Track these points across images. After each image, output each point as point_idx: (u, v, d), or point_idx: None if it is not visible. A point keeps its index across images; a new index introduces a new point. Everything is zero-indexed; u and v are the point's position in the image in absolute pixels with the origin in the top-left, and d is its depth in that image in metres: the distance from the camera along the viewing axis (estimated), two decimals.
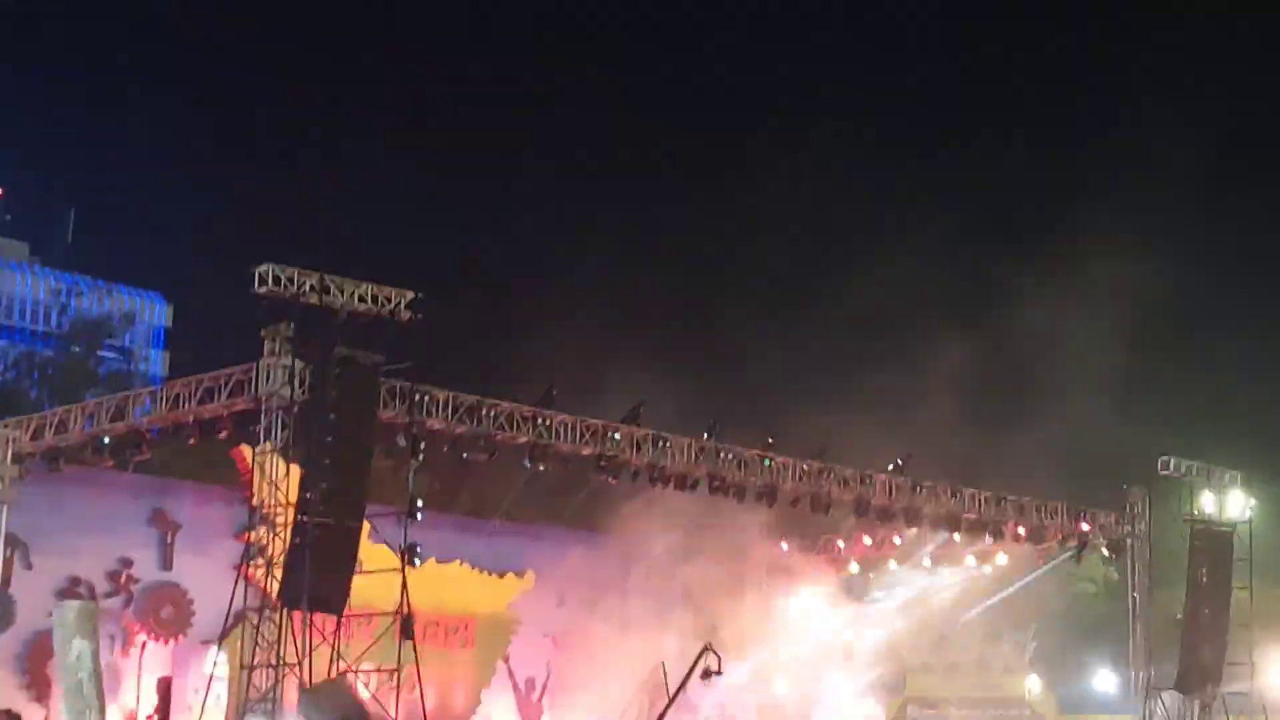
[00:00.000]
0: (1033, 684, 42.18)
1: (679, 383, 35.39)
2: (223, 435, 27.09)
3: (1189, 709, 34.29)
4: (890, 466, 33.83)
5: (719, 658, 23.19)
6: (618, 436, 30.14)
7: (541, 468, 29.80)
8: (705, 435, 31.53)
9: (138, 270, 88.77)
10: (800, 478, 32.63)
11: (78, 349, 62.88)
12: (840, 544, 40.81)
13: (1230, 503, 35.00)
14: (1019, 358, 45.03)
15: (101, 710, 2.36)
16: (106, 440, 27.70)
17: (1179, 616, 34.45)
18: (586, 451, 29.94)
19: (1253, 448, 40.47)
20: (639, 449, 30.47)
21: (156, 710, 30.36)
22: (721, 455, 31.62)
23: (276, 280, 24.53)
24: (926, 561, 40.13)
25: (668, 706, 22.35)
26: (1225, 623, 34.17)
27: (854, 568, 40.73)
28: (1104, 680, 40.61)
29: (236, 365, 26.43)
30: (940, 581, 40.77)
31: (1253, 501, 35.48)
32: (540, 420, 29.20)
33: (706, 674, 22.92)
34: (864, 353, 49.20)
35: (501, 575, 37.00)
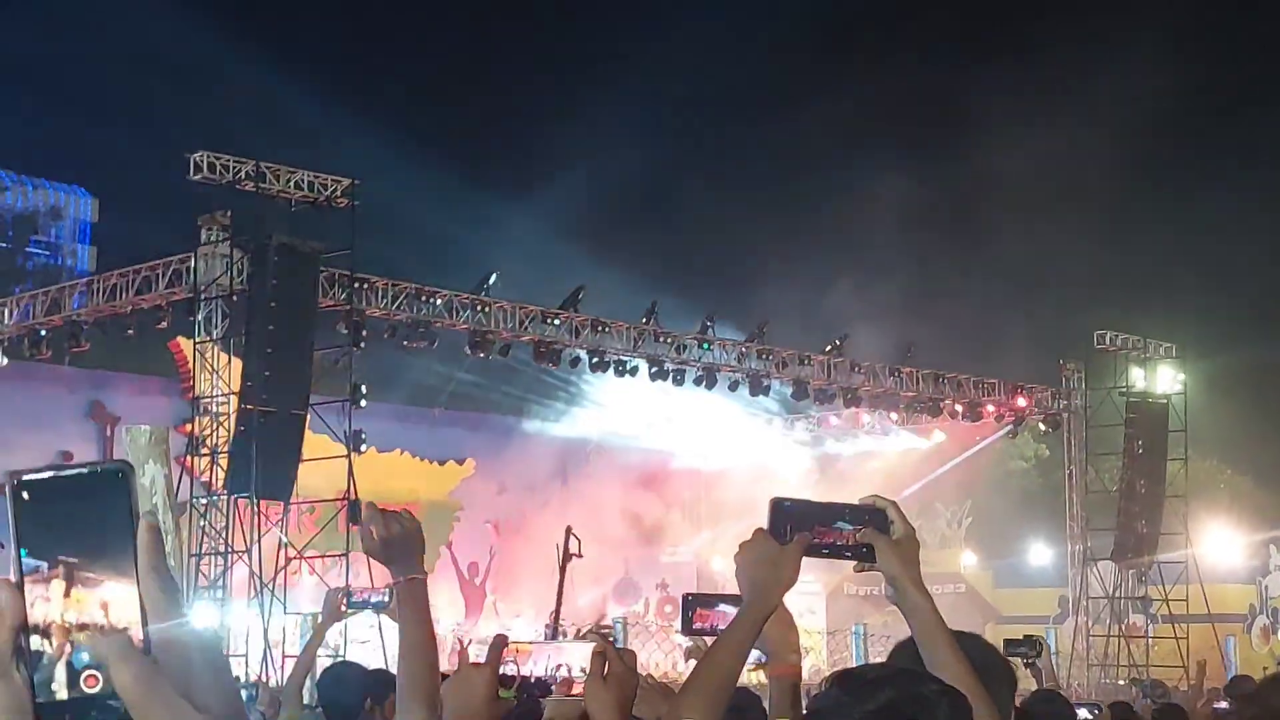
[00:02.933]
0: (968, 559, 42.82)
1: (619, 266, 35.44)
2: (161, 326, 26.90)
3: (1124, 578, 34.91)
4: (828, 347, 34.01)
5: (578, 541, 23.56)
6: (557, 322, 30.15)
7: (482, 355, 29.80)
8: (644, 319, 31.54)
9: (60, 165, 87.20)
10: (739, 360, 32.76)
11: (4, 244, 62.18)
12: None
13: (1163, 376, 35.42)
14: (958, 233, 45.30)
15: (177, 530, 2.37)
16: (43, 333, 27.47)
17: (1114, 489, 34.97)
18: (526, 338, 29.97)
19: (1185, 321, 40.98)
20: (578, 335, 30.49)
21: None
22: (660, 339, 31.67)
23: (211, 167, 24.31)
24: (863, 440, 40.49)
25: (559, 600, 22.68)
26: (1160, 494, 34.69)
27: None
28: (1038, 554, 41.29)
29: (173, 255, 26.26)
30: (876, 460, 41.13)
31: (1183, 375, 35.92)
32: (479, 307, 29.15)
33: (568, 557, 23.27)
34: (803, 227, 49.32)
35: (442, 463, 37.11)
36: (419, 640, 3.30)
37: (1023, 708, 8.05)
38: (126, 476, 1.31)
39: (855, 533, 2.91)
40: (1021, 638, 8.49)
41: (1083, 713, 9.27)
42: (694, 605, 3.51)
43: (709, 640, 3.31)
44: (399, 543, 3.26)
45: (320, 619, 6.79)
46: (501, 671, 3.04)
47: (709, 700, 2.90)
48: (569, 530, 23.73)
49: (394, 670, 4.18)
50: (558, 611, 22.77)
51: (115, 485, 1.30)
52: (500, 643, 3.07)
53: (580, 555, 24.12)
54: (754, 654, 3.22)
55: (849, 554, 2.94)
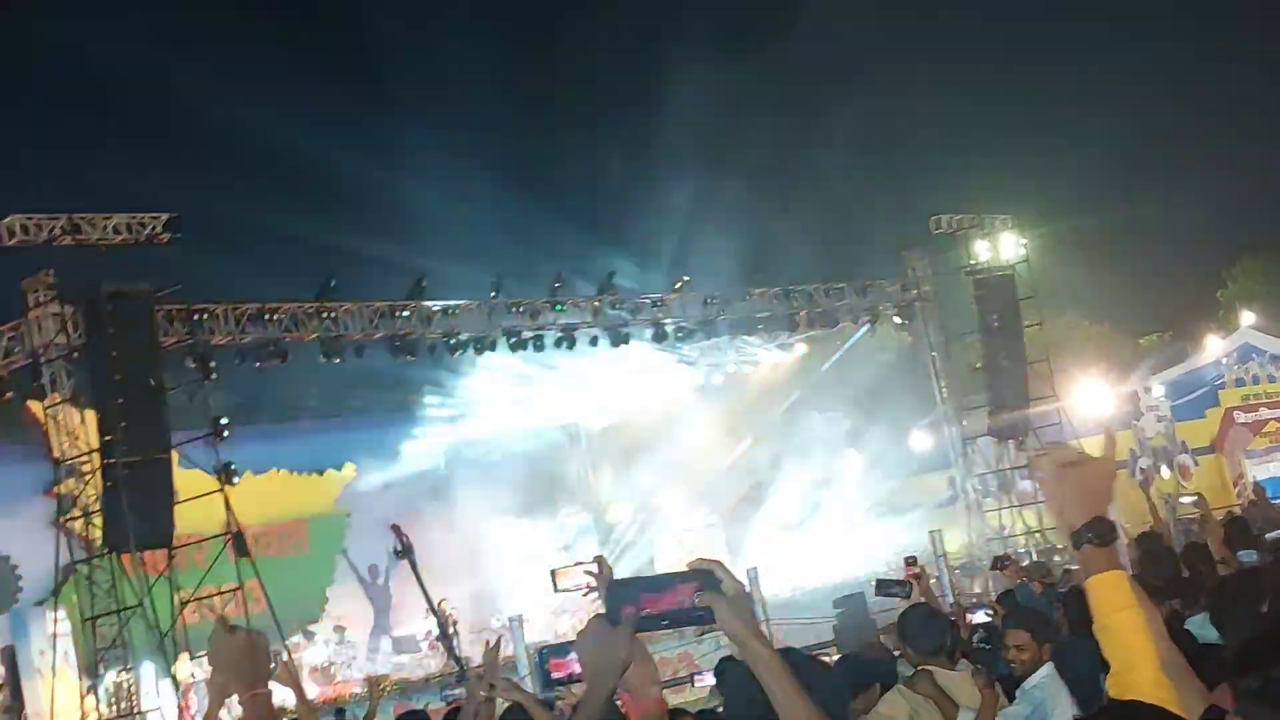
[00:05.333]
0: (852, 459, 43.34)
1: (457, 247, 35.28)
2: (7, 396, 26.40)
3: (1005, 450, 35.61)
4: (677, 285, 34.19)
5: (403, 535, 23.48)
6: (406, 314, 30.05)
7: (337, 360, 29.62)
8: (492, 294, 31.53)
9: None
10: (594, 314, 32.89)
11: None
12: None
13: (1004, 245, 36.05)
14: (781, 152, 45.53)
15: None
16: None
17: (978, 366, 35.60)
18: (378, 335, 29.84)
19: (1018, 190, 41.68)
20: (430, 322, 30.43)
21: (5, 680, 29.85)
22: (513, 310, 31.70)
23: (25, 229, 23.88)
24: (730, 367, 40.82)
25: (427, 599, 22.60)
26: (1022, 361, 35.40)
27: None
28: (920, 441, 41.85)
29: (4, 324, 25.77)
30: (747, 381, 41.53)
31: (1024, 240, 36.58)
32: (325, 314, 28.97)
33: (401, 554, 23.21)
34: (633, 178, 49.27)
35: (321, 473, 36.86)
36: None
37: (899, 622, 8.34)
38: None
39: (692, 597, 3.04)
40: (893, 580, 8.82)
41: (979, 616, 9.58)
42: (548, 657, 3.66)
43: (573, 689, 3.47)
44: (240, 659, 3.36)
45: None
46: None
47: None
48: (395, 528, 23.46)
49: None
50: (435, 611, 22.60)
51: None
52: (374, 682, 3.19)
53: (410, 548, 23.83)
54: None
55: (687, 620, 3.07)
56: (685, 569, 3.09)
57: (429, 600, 22.57)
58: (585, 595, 4.50)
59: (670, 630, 3.18)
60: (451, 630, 28.76)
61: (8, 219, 23.87)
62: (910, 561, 9.48)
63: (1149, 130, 51.87)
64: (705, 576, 3.04)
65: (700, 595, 3.02)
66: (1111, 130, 50.63)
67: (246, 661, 3.38)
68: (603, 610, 3.09)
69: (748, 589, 3.20)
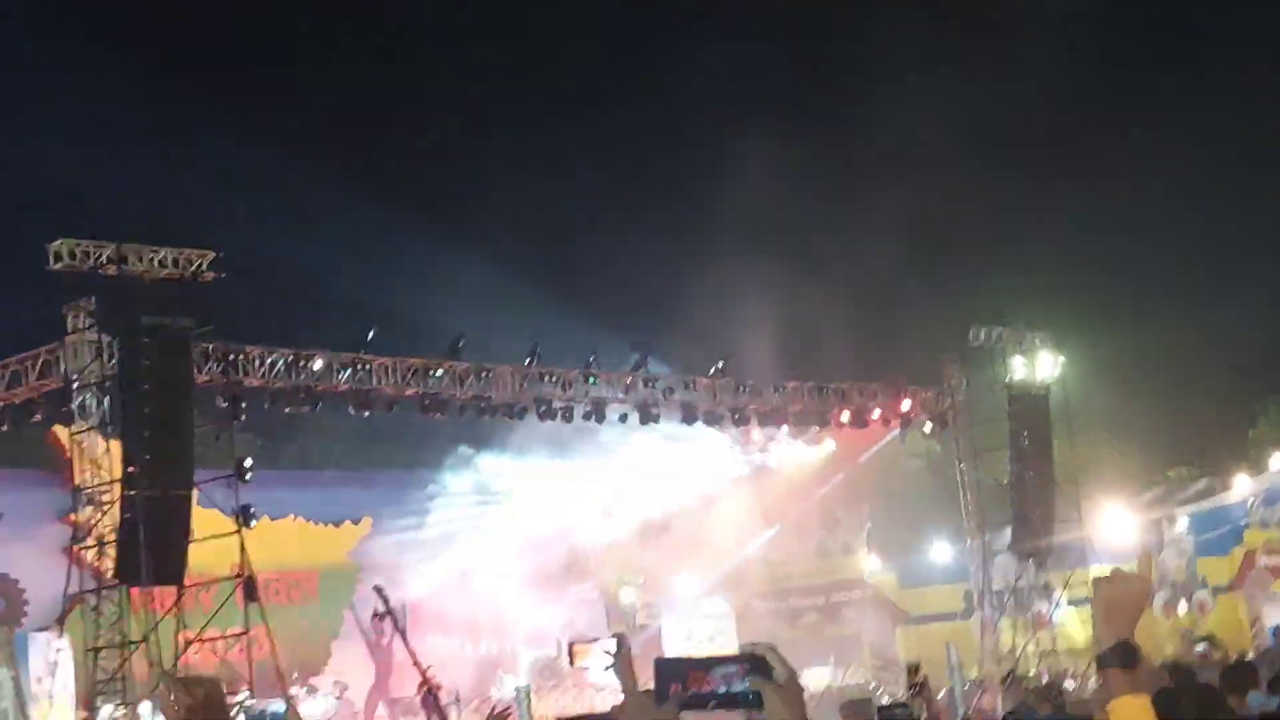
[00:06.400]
0: (872, 563, 43.07)
1: (496, 309, 35.35)
2: (36, 419, 26.45)
3: (1025, 569, 35.31)
4: (712, 369, 34.18)
5: (385, 598, 23.25)
6: (440, 373, 30.07)
7: (366, 413, 29.63)
8: (527, 361, 31.56)
9: None
10: (625, 391, 32.87)
11: None
12: None
13: (1041, 363, 35.88)
14: (821, 246, 45.52)
15: None
16: None
17: (1005, 482, 35.38)
18: (410, 392, 29.83)
19: (1057, 306, 41.49)
20: (462, 383, 30.42)
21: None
22: (545, 379, 31.71)
23: (72, 255, 23.97)
24: (756, 457, 40.69)
25: (418, 666, 22.33)
26: (1050, 481, 35.15)
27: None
28: (940, 551, 41.58)
29: (41, 346, 25.85)
30: (773, 475, 41.38)
31: (1061, 359, 36.42)
32: (359, 366, 28.98)
33: (380, 617, 22.92)
34: (677, 257, 49.32)
35: (338, 525, 36.76)
36: None
37: None
38: None
39: (739, 677, 2.96)
40: (895, 704, 8.72)
41: None
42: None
43: None
44: (202, 709, 3.26)
45: None
46: None
47: None
48: (378, 589, 23.21)
49: None
50: (425, 679, 22.44)
51: None
52: None
53: (388, 613, 23.56)
54: None
55: (735, 702, 2.99)
56: (737, 651, 3.03)
57: (417, 663, 22.32)
58: (606, 670, 4.41)
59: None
60: (444, 699, 28.48)
61: (56, 243, 23.96)
62: (913, 670, 9.30)
63: (1194, 258, 51.73)
64: (757, 660, 2.97)
65: (752, 678, 2.95)
66: (1157, 255, 50.56)
67: (208, 712, 3.30)
68: (617, 689, 3.04)
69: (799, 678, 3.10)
